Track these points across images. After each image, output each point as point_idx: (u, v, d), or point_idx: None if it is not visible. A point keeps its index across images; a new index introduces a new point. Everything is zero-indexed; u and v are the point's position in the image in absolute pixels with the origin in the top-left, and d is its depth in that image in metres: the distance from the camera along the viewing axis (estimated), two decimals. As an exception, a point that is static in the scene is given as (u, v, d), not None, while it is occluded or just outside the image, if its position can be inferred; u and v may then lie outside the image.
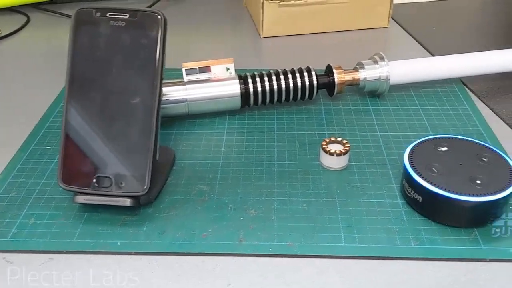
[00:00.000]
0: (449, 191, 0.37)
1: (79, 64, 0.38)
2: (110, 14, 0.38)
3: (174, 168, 0.44)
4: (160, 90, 0.38)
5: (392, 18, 0.76)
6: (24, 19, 0.79)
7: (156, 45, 0.38)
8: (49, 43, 0.74)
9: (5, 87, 0.60)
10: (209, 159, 0.46)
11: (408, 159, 0.40)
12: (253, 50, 0.71)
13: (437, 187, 0.37)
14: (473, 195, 0.36)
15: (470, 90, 0.58)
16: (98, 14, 0.38)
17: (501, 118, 0.52)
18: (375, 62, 0.53)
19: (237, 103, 0.50)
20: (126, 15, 0.38)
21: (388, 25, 0.75)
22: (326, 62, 0.54)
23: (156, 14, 0.38)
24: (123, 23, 0.38)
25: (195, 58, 0.51)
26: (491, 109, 0.54)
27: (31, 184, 0.43)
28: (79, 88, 0.38)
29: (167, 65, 0.54)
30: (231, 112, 0.52)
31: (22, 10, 0.81)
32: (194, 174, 0.44)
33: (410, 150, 0.41)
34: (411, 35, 0.73)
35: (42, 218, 0.39)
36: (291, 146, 0.47)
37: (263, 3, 0.69)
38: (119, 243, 0.37)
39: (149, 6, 0.80)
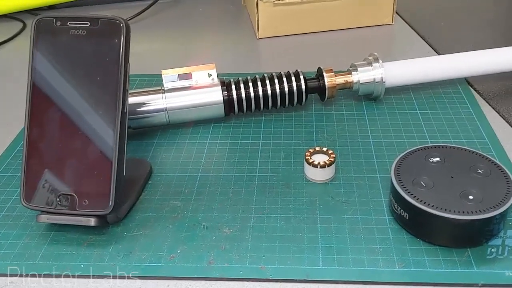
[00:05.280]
0: (437, 208, 0.33)
1: (40, 77, 0.36)
2: (70, 23, 0.36)
3: (149, 182, 0.42)
4: (124, 101, 0.36)
5: (396, 13, 0.72)
6: (20, 25, 0.78)
7: (119, 54, 0.35)
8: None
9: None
10: (187, 172, 0.43)
11: (395, 171, 0.37)
12: (249, 52, 0.68)
13: (424, 203, 0.34)
14: (463, 213, 0.33)
15: (476, 91, 0.54)
16: (59, 23, 0.36)
17: (508, 123, 0.48)
18: (369, 63, 0.50)
19: (220, 111, 0.48)
20: (87, 23, 0.36)
21: (392, 22, 0.71)
22: (326, 63, 0.51)
23: (117, 22, 0.35)
24: (83, 32, 0.35)
25: (189, 61, 0.49)
26: (498, 112, 0.50)
27: (2, 201, 0.41)
28: (40, 102, 0.36)
29: (158, 71, 0.52)
30: (216, 120, 0.50)
31: (18, 16, 0.80)
32: (169, 189, 0.41)
33: (397, 161, 0.38)
34: (416, 32, 0.69)
35: (7, 238, 0.37)
36: (275, 156, 0.44)
37: (257, 3, 0.66)
38: (82, 266, 0.35)
39: (146, 8, 0.78)
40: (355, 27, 0.70)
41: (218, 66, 0.49)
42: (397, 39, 0.70)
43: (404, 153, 0.39)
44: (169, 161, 0.45)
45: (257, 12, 0.67)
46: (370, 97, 0.51)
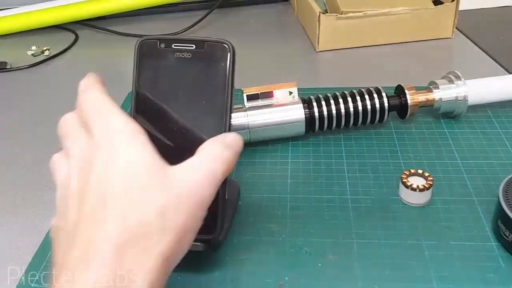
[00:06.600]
0: (558, 238, 0.32)
1: (144, 100, 0.36)
2: (175, 45, 0.35)
3: (239, 203, 0.41)
4: (229, 126, 0.35)
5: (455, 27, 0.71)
6: (73, 36, 0.77)
7: (225, 77, 0.34)
8: (98, 61, 0.73)
9: (50, 111, 0.58)
10: (275, 193, 0.42)
11: (504, 197, 0.36)
12: (308, 65, 0.67)
13: (544, 232, 0.33)
14: None
15: (554, 108, 0.53)
16: (163, 45, 0.35)
17: None
18: (450, 81, 0.49)
19: (301, 128, 0.47)
20: (192, 46, 0.35)
21: (452, 35, 0.70)
22: (388, 77, 0.50)
23: (224, 44, 0.34)
24: (189, 55, 0.35)
25: (247, 76, 0.48)
26: None
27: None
28: (143, 125, 0.36)
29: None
30: (294, 138, 0.49)
31: (70, 27, 0.80)
32: (261, 210, 0.41)
33: (504, 186, 0.37)
34: (478, 46, 0.68)
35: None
36: (364, 177, 0.44)
37: (319, 16, 0.65)
38: (190, 293, 0.34)
39: (199, 21, 0.77)
40: (416, 40, 0.69)
41: (278, 80, 0.48)
42: (458, 53, 0.69)
43: (509, 177, 0.38)
44: (255, 181, 0.44)
45: (319, 26, 0.66)
46: (450, 115, 0.50)
